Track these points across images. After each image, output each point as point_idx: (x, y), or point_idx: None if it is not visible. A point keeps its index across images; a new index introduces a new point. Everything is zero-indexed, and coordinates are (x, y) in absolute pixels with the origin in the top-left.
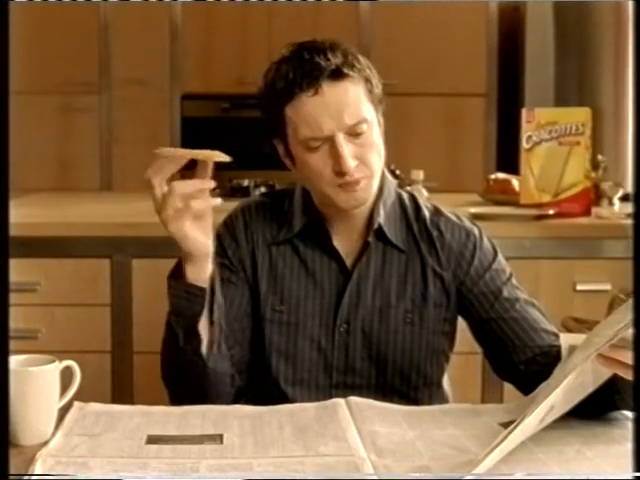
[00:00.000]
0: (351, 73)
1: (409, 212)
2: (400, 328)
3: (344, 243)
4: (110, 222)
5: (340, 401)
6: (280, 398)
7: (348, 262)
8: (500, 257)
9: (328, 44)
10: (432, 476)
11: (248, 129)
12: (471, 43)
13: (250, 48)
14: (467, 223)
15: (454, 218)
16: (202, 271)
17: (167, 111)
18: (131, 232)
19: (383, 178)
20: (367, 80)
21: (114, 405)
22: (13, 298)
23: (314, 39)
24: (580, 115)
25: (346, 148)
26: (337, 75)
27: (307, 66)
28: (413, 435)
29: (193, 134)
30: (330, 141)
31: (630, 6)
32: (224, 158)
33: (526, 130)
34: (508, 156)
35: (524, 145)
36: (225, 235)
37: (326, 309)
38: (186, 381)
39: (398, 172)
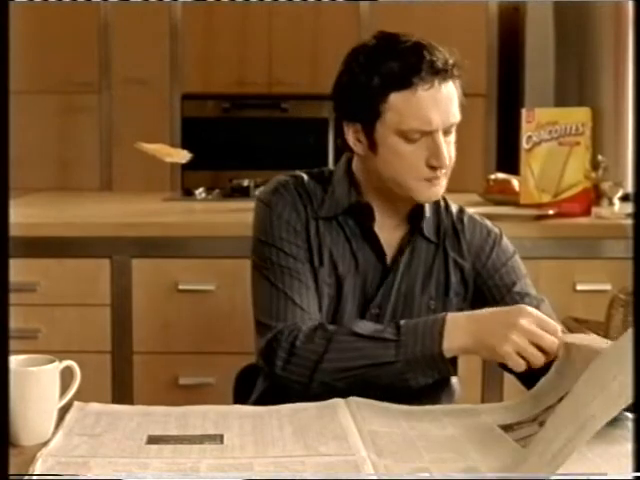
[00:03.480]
0: (457, 74)
1: (441, 205)
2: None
3: (383, 229)
4: (110, 222)
5: (340, 401)
6: None
7: (386, 248)
8: (517, 257)
9: (438, 46)
10: (432, 476)
11: (248, 129)
12: (471, 43)
13: (250, 48)
14: (489, 223)
15: (477, 217)
16: None
17: (167, 111)
18: (131, 232)
19: None
20: (461, 84)
21: (114, 405)
22: (13, 298)
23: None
24: (580, 115)
25: (444, 144)
26: (450, 74)
27: (428, 59)
28: (413, 435)
29: (193, 134)
30: (430, 135)
31: (630, 6)
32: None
33: (526, 130)
34: (508, 156)
35: (524, 145)
36: (284, 208)
37: (360, 290)
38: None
39: None
